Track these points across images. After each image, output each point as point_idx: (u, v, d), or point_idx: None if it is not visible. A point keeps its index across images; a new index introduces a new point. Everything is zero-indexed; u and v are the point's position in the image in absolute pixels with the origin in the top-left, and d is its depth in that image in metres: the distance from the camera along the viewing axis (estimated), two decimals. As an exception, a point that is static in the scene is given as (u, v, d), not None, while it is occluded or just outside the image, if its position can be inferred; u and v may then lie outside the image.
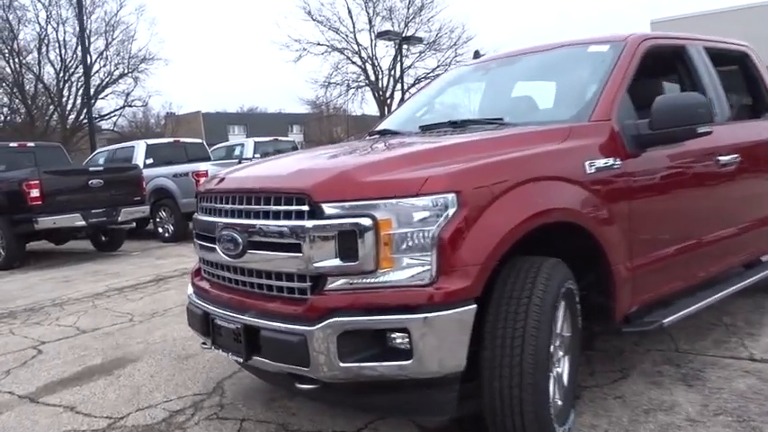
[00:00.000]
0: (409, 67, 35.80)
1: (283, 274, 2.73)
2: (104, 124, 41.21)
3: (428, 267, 2.50)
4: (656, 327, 3.35)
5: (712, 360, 3.94)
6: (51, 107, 38.45)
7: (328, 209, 2.57)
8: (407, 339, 2.47)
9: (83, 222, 10.07)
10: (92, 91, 38.67)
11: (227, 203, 3.01)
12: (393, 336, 2.52)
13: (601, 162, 3.08)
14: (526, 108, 3.88)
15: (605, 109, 3.30)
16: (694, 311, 3.67)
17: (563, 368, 2.98)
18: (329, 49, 35.77)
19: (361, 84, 37.18)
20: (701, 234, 3.82)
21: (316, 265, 2.59)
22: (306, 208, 2.62)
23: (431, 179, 2.53)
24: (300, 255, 2.62)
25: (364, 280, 2.55)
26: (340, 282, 2.58)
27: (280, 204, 2.73)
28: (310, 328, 2.55)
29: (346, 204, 2.55)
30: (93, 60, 38.19)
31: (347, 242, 2.55)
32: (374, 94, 37.08)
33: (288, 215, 2.70)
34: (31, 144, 12.68)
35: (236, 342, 2.87)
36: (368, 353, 2.53)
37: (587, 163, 3.02)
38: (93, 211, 10.17)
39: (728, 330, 4.52)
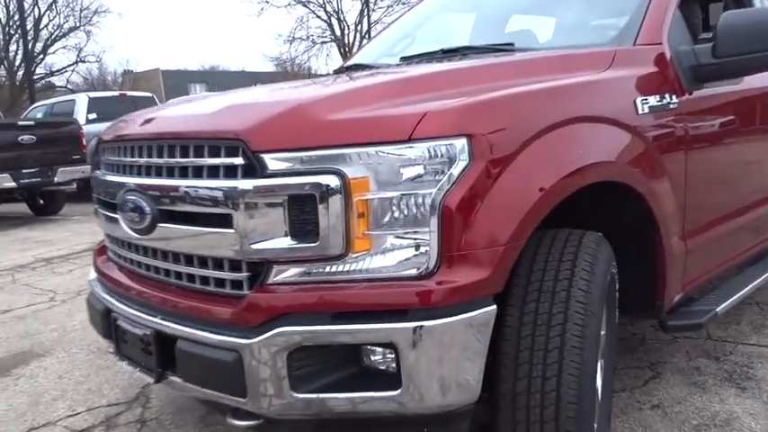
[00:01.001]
0: (377, 21, 34.37)
1: (208, 258, 1.85)
2: (57, 81, 39.06)
3: (425, 250, 1.65)
4: (710, 318, 2.58)
5: (757, 351, 3.22)
6: (-3, 62, 36.12)
7: (273, 162, 1.69)
8: (393, 359, 1.64)
9: (12, 183, 8.93)
10: (41, 45, 36.39)
11: (132, 156, 2.09)
12: (372, 353, 1.68)
13: (655, 100, 2.24)
14: (539, 34, 2.99)
15: (654, 29, 2.45)
16: (749, 294, 2.92)
17: (598, 379, 2.19)
18: (293, 2, 34.12)
19: (326, 39, 35.71)
20: (755, 197, 3.04)
21: (255, 246, 1.71)
22: (239, 161, 1.73)
23: (429, 116, 1.65)
24: (232, 231, 1.74)
25: (328, 269, 1.69)
26: (292, 272, 1.72)
27: (202, 156, 1.83)
28: (247, 341, 1.69)
29: (300, 155, 1.67)
30: (42, 12, 35.89)
31: (302, 212, 1.68)
32: (340, 51, 35.60)
33: (213, 172, 1.80)
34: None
35: (146, 354, 2.00)
36: (334, 378, 1.69)
37: (639, 100, 2.18)
38: (24, 170, 9.03)
39: (763, 311, 3.81)
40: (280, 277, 1.72)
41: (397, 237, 1.67)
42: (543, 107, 1.86)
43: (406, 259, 1.66)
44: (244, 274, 1.77)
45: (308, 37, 35.09)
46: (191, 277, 1.93)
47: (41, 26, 36.00)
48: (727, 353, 3.22)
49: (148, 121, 2.19)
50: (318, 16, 35.48)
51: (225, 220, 1.75)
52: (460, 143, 1.65)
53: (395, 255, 1.67)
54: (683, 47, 2.49)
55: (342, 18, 35.92)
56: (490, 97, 1.78)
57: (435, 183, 1.64)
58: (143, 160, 2.02)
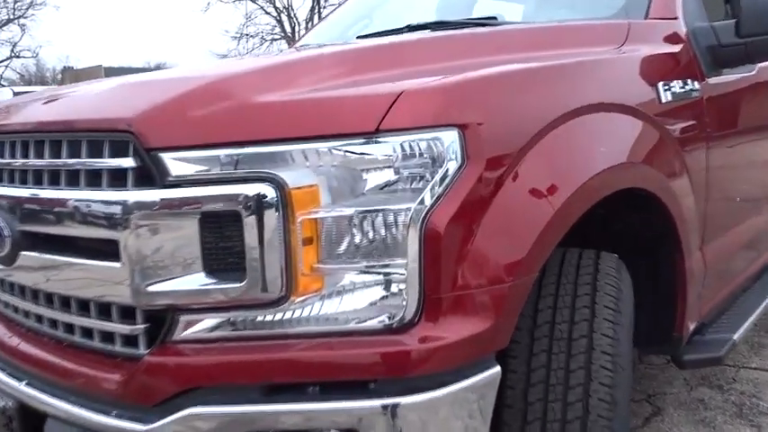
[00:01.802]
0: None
1: (90, 302, 1.30)
2: (-10, 76, 36.99)
3: (399, 291, 1.15)
4: (729, 349, 2.15)
5: (763, 377, 2.84)
6: None
7: (177, 165, 1.15)
8: (358, 452, 1.13)
9: None
10: (-30, 39, 34.37)
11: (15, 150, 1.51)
12: (327, 444, 1.17)
13: (678, 86, 1.79)
14: (533, 6, 2.51)
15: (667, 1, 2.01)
16: (761, 314, 2.52)
17: None
18: (241, -3, 33.14)
19: (276, 36, 34.82)
20: None
21: (153, 288, 1.17)
22: (128, 162, 1.19)
23: (406, 98, 1.14)
24: (118, 265, 1.19)
25: (260, 319, 1.17)
26: (207, 324, 1.18)
27: (78, 156, 1.28)
28: (142, 426, 1.15)
29: (217, 154, 1.14)
30: (-28, 3, 33.91)
31: (221, 238, 1.15)
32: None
33: (94, 179, 1.25)
34: None
35: (8, 430, 1.43)
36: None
37: (662, 86, 1.72)
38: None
39: (756, 328, 3.46)
40: (190, 332, 1.19)
41: (360, 272, 1.16)
42: (556, 90, 1.38)
43: (373, 304, 1.16)
44: (139, 327, 1.22)
45: (257, 34, 34.18)
46: (69, 327, 1.37)
47: (-28, 18, 34.08)
48: (729, 380, 2.83)
49: (24, 108, 1.62)
50: (267, 12, 34.56)
51: (109, 249, 1.21)
52: (450, 137, 1.15)
53: (356, 298, 1.16)
54: (698, 23, 2.06)
55: (292, 15, 35.08)
56: (489, 74, 1.28)
57: (415, 194, 1.14)
58: (9, 163, 1.45)
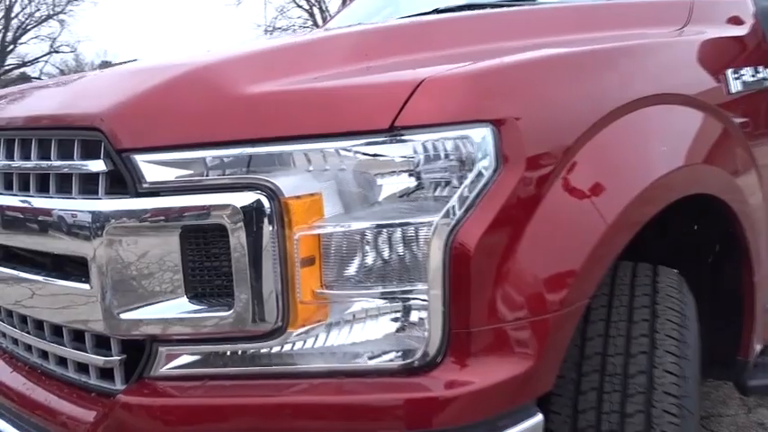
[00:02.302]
0: (360, 12, 33.49)
1: (60, 327, 1.12)
2: (31, 72, 37.69)
3: (420, 324, 0.94)
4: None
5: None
6: (-34, 53, 34.77)
7: (152, 169, 0.96)
8: None
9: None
10: (11, 35, 35.10)
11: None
12: None
13: (749, 73, 1.53)
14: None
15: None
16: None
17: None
18: (273, -9, 33.16)
19: (307, 29, 34.80)
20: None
21: (127, 315, 0.98)
22: (98, 165, 1.00)
23: (428, 86, 0.93)
24: (87, 288, 1.01)
25: (251, 354, 0.98)
26: (190, 357, 0.99)
27: (46, 157, 1.10)
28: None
29: (200, 156, 0.95)
30: (13, 1, 34.57)
31: (205, 256, 0.96)
32: (321, 42, 34.73)
33: (63, 184, 1.08)
34: None
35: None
36: None
37: (731, 73, 1.47)
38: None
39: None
40: (171, 366, 1.00)
41: (372, 300, 0.96)
42: (608, 79, 1.15)
43: (388, 339, 0.95)
44: (114, 359, 1.04)
45: (288, 27, 34.20)
46: (42, 353, 1.20)
47: (12, 15, 34.70)
48: (791, 399, 2.55)
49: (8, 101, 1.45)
50: (300, 5, 34.56)
51: (78, 269, 1.03)
52: (481, 134, 0.93)
53: (367, 331, 0.96)
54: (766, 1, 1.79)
55: (324, 8, 35.01)
56: (529, 59, 1.06)
57: (439, 204, 0.93)
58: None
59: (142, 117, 0.98)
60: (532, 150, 0.97)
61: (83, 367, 1.11)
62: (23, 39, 35.48)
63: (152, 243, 0.96)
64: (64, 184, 1.08)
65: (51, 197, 1.08)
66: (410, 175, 0.93)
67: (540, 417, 0.98)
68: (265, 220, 0.91)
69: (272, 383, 0.97)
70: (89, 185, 1.04)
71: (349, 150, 0.93)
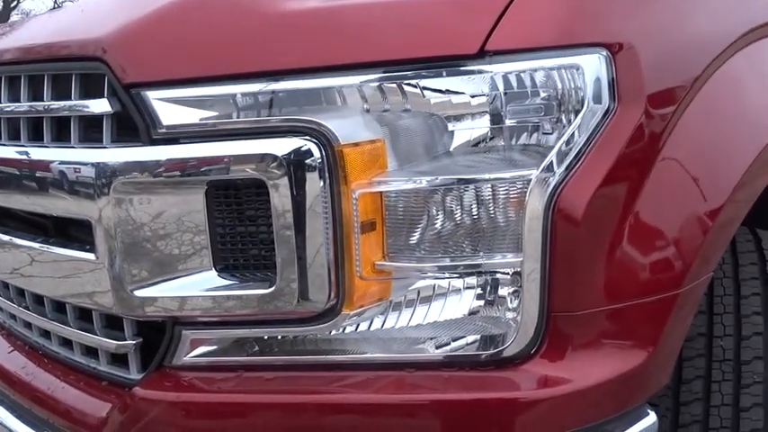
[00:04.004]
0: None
1: (66, 305, 0.94)
2: (36, 29, 37.20)
3: (511, 303, 0.75)
4: None
5: None
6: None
7: (169, 109, 0.76)
8: None
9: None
10: (14, -11, 34.52)
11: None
12: None
13: None
14: None
15: None
16: None
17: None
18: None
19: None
20: None
21: (141, 292, 0.79)
22: (102, 106, 0.80)
23: (523, 2, 0.72)
24: (92, 257, 0.82)
25: (298, 340, 0.79)
26: (221, 344, 0.81)
27: (39, 97, 0.90)
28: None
29: (227, 92, 0.74)
30: (13, -47, 33.88)
31: (238, 220, 0.76)
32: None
33: (60, 129, 0.88)
34: None
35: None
36: None
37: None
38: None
39: None
40: (197, 354, 0.81)
41: (448, 274, 0.76)
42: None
43: (467, 324, 0.76)
44: (128, 343, 0.86)
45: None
46: (44, 331, 1.02)
47: (14, -32, 34.10)
48: None
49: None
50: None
51: (81, 234, 0.84)
52: (593, 64, 0.72)
53: (442, 313, 0.77)
54: None
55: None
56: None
57: (537, 155, 0.72)
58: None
59: (155, 43, 0.77)
60: (655, 85, 0.76)
61: (91, 350, 0.93)
62: (27, -7, 34.94)
63: (171, 203, 0.77)
64: (62, 131, 0.88)
65: (46, 147, 0.88)
66: (497, 115, 0.72)
67: (653, 418, 0.79)
68: (315, 174, 0.72)
69: (321, 376, 0.78)
70: (92, 132, 0.84)
71: (422, 85, 0.72)
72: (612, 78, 0.73)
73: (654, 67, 0.76)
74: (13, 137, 0.95)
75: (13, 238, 0.95)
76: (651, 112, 0.75)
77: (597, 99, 0.72)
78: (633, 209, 0.74)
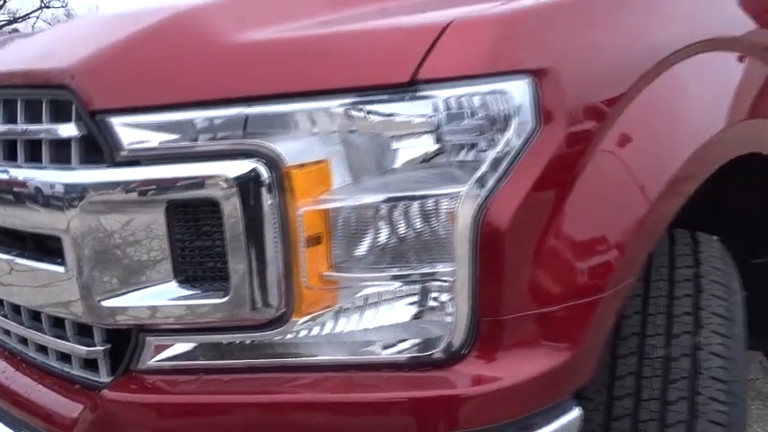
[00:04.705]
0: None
1: (42, 314, 1.00)
2: (23, 28, 36.89)
3: (444, 308, 0.82)
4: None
5: None
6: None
7: (131, 133, 0.82)
8: None
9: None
10: (0, -10, 34.23)
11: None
12: None
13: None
14: None
15: None
16: None
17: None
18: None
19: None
20: None
21: (108, 303, 0.86)
22: (70, 130, 0.87)
23: (455, 31, 0.79)
24: (62, 270, 0.89)
25: (251, 345, 0.86)
26: (181, 348, 0.88)
27: (12, 121, 0.96)
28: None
29: (186, 118, 0.81)
30: (-1, -47, 33.57)
31: (196, 235, 0.83)
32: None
33: (33, 151, 0.94)
34: None
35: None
36: None
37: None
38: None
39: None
40: (160, 359, 0.88)
41: (389, 283, 0.83)
42: (661, 18, 0.99)
43: (406, 328, 0.83)
44: (97, 349, 0.92)
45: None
46: (22, 338, 1.08)
47: (0, -32, 33.79)
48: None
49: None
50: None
51: (53, 249, 0.90)
52: (518, 88, 0.79)
53: (383, 319, 0.84)
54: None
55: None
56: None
57: (467, 172, 0.79)
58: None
59: (118, 72, 0.84)
60: (577, 106, 0.83)
61: (65, 356, 0.99)
62: (13, -7, 34.66)
63: (134, 220, 0.83)
64: (35, 152, 0.94)
65: (20, 167, 0.94)
66: (433, 137, 0.79)
67: (577, 412, 0.87)
68: (264, 193, 0.79)
69: (273, 377, 0.85)
70: (63, 153, 0.90)
71: (360, 109, 0.79)
72: (537, 101, 0.80)
73: (577, 89, 0.83)
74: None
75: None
76: (574, 130, 0.82)
77: (522, 121, 0.79)
78: (556, 221, 0.82)
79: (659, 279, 1.11)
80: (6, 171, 0.95)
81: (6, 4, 35.36)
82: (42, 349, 1.03)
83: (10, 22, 36.00)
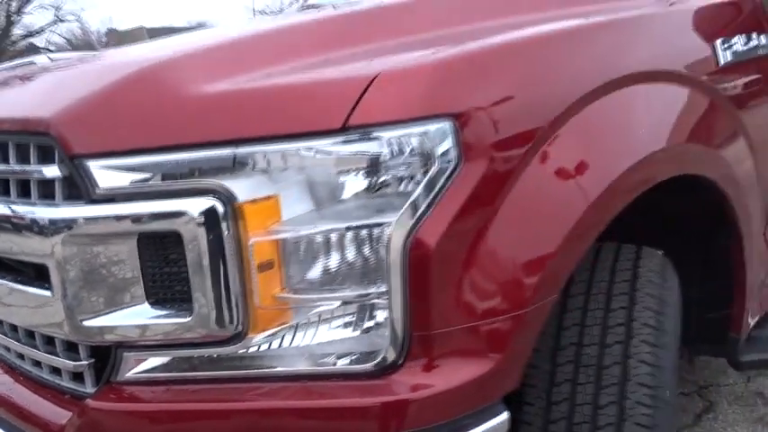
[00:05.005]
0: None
1: (35, 333, 1.13)
2: (39, 42, 37.45)
3: (380, 326, 0.93)
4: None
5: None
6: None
7: (105, 175, 0.94)
8: None
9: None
10: (15, 3, 34.81)
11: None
12: None
13: (740, 42, 1.47)
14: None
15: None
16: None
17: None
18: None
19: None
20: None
21: (90, 322, 0.98)
22: (53, 171, 0.99)
23: (382, 82, 0.90)
24: (48, 294, 1.01)
25: (214, 358, 0.98)
26: (155, 362, 0.99)
27: (5, 161, 1.09)
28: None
29: (152, 161, 0.93)
30: (14, -31, 34.12)
31: (165, 263, 0.95)
32: (329, 2, 33.97)
33: (23, 189, 1.07)
34: None
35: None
36: None
37: (719, 44, 1.41)
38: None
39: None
40: (136, 371, 1.00)
41: (333, 303, 0.94)
42: (580, 58, 1.10)
43: (348, 343, 0.94)
44: (82, 363, 1.04)
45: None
46: (19, 354, 1.21)
47: (15, -18, 34.31)
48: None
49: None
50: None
51: (41, 275, 1.02)
52: (439, 130, 0.90)
53: (330, 334, 0.95)
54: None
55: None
56: (493, 44, 1.01)
57: (394, 205, 0.90)
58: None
59: (92, 121, 0.96)
60: (496, 144, 0.94)
61: (56, 370, 1.11)
62: (28, 8, 35.20)
63: (110, 250, 0.95)
64: (25, 188, 1.07)
65: (12, 202, 1.06)
66: (365, 174, 0.90)
67: (505, 415, 0.97)
68: (220, 226, 0.90)
69: (236, 387, 0.97)
70: (49, 190, 1.02)
71: (302, 151, 0.91)
72: (458, 141, 0.91)
73: (496, 127, 0.94)
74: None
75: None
76: (494, 164, 0.93)
77: (444, 158, 0.90)
78: (479, 245, 0.92)
79: (598, 293, 1.21)
80: (1, 205, 1.08)
81: (22, 18, 35.94)
82: (37, 364, 1.15)
83: (25, 37, 36.62)
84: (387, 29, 1.11)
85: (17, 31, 35.29)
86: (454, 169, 0.91)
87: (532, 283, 0.95)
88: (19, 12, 34.98)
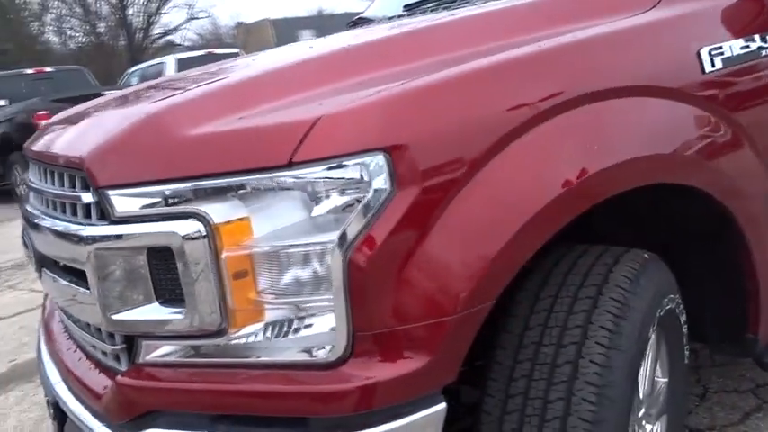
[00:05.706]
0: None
1: (84, 321, 1.42)
2: (178, 39, 40.34)
3: (329, 326, 1.11)
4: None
5: None
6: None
7: (120, 201, 1.19)
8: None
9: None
10: (155, 4, 37.69)
11: (34, 176, 1.68)
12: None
13: (734, 47, 1.47)
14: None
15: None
16: None
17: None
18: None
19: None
20: None
21: (116, 316, 1.24)
22: (88, 197, 1.26)
23: (323, 125, 1.07)
24: (87, 292, 1.28)
25: (205, 348, 1.20)
26: (165, 350, 1.24)
27: (62, 187, 1.38)
28: (115, 441, 1.26)
29: (155, 191, 1.17)
30: (152, -30, 36.86)
31: (167, 271, 1.18)
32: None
33: (72, 209, 1.35)
34: (49, 69, 11.68)
35: (53, 419, 1.64)
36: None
37: (705, 52, 1.43)
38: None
39: None
40: (151, 356, 1.25)
41: (296, 307, 1.13)
42: (515, 89, 1.20)
43: (307, 340, 1.13)
44: (119, 346, 1.31)
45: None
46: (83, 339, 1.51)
47: (153, -15, 37.10)
48: None
49: (44, 135, 1.75)
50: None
51: (83, 277, 1.30)
52: (374, 162, 1.06)
53: (292, 333, 1.14)
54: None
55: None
56: (425, 82, 1.14)
57: (335, 226, 1.07)
58: (33, 182, 1.61)
59: (111, 159, 1.21)
60: (427, 173, 1.08)
61: (104, 351, 1.40)
62: (164, 8, 38.03)
63: (127, 260, 1.20)
64: (73, 209, 1.35)
65: (66, 219, 1.35)
66: (313, 201, 1.08)
67: (442, 405, 1.12)
68: (201, 243, 1.11)
69: (223, 372, 1.19)
70: (88, 211, 1.30)
71: (263, 181, 1.10)
72: (391, 171, 1.06)
73: (427, 157, 1.08)
74: (52, 208, 1.44)
75: (57, 277, 1.44)
76: (425, 192, 1.07)
77: (379, 187, 1.06)
78: (411, 262, 1.07)
79: (566, 296, 1.31)
80: (58, 221, 1.37)
81: (160, 18, 38.81)
82: (93, 345, 1.45)
83: (164, 35, 39.62)
84: (340, 71, 1.27)
85: (157, 30, 38.33)
86: (388, 195, 1.06)
87: (458, 294, 1.09)
88: (157, 12, 37.98)
